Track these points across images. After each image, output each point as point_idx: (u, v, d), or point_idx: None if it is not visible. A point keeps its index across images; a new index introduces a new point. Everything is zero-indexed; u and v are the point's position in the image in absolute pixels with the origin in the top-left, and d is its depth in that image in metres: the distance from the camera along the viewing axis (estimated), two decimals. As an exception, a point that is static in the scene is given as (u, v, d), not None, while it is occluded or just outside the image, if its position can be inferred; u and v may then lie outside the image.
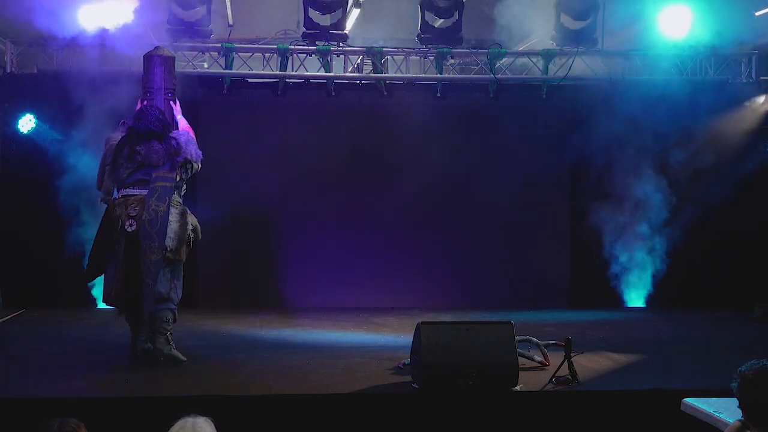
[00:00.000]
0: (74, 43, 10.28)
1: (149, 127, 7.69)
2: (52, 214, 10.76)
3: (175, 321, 7.75)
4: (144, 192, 7.60)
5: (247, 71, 11.35)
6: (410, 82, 11.71)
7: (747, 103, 11.66)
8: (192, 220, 7.83)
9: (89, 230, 10.47)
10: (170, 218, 7.57)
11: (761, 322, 10.42)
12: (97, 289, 10.49)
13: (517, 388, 6.73)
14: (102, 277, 7.92)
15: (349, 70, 11.51)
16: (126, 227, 7.48)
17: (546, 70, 11.57)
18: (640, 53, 11.49)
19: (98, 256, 7.82)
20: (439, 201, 11.67)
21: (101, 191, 7.86)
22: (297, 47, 11.27)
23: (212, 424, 3.60)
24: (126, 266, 7.52)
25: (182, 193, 7.95)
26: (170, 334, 7.64)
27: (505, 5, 10.90)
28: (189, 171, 7.87)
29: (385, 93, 11.50)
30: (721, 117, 11.50)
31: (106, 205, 7.87)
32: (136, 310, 7.57)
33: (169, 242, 7.54)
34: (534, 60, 11.64)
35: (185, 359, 7.57)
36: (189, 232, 7.71)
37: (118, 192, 7.74)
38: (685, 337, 9.39)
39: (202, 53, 11.32)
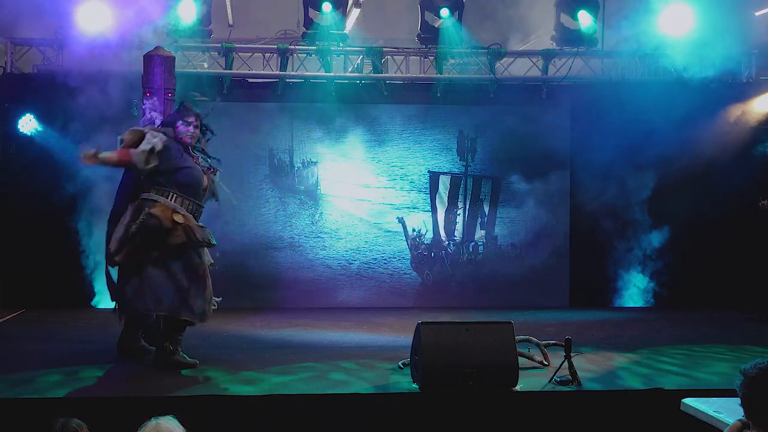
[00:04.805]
0: (74, 43, 10.27)
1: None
2: (51, 214, 10.75)
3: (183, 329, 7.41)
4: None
5: (247, 71, 11.35)
6: (410, 82, 11.71)
7: (747, 103, 11.67)
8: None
9: (89, 230, 10.51)
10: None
11: (761, 322, 10.42)
12: (100, 291, 10.55)
13: (517, 388, 6.73)
14: (106, 282, 7.59)
15: (349, 70, 11.51)
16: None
17: (546, 70, 11.57)
18: (640, 53, 11.49)
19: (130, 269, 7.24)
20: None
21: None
22: (297, 47, 11.27)
23: (176, 421, 3.56)
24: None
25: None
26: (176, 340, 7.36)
27: (504, 5, 10.90)
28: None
29: (385, 93, 11.50)
30: (721, 117, 11.50)
31: (113, 209, 7.42)
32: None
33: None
34: (534, 60, 11.64)
35: (194, 361, 7.43)
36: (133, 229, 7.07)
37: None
38: (685, 337, 9.38)
39: (202, 53, 11.31)
